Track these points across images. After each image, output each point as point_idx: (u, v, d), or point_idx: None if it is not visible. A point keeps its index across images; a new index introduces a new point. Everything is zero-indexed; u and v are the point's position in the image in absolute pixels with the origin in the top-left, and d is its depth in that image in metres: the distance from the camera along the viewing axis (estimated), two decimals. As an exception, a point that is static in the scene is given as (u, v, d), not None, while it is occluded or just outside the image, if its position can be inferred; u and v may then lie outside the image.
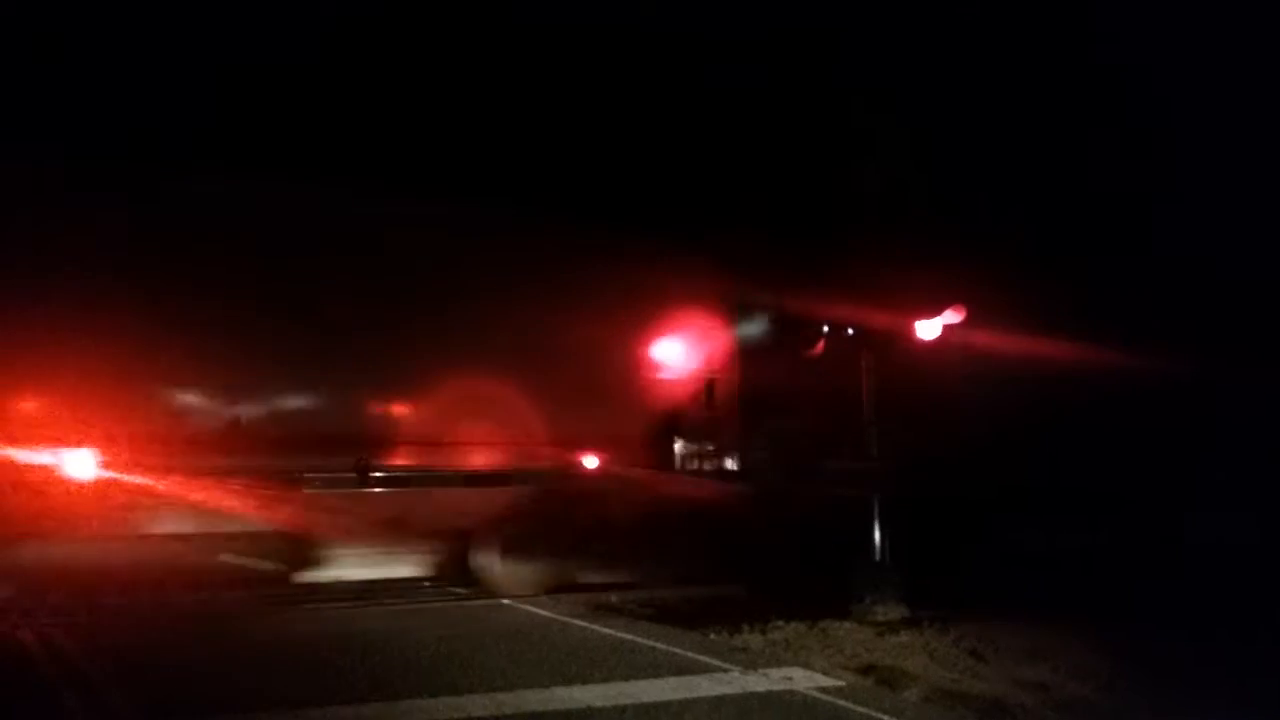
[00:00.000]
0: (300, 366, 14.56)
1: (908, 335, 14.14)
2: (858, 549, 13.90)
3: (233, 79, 16.43)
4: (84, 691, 9.42)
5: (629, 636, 11.78)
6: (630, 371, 16.32)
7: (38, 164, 13.48)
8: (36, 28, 15.48)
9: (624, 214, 16.58)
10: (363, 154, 16.12)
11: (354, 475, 14.42)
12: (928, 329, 14.07)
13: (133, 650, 10.95)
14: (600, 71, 18.13)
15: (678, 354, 16.40)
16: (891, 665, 10.78)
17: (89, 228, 13.48)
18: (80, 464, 12.90)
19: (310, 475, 14.33)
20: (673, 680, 9.91)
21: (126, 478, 13.00)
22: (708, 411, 16.34)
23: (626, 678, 9.91)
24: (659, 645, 11.31)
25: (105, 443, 12.97)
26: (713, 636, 12.00)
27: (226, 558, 14.36)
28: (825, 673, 10.39)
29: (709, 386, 16.36)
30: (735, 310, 16.84)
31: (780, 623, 12.45)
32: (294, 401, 14.81)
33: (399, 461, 14.95)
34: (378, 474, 14.62)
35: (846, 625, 12.66)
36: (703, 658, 10.83)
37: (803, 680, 10.03)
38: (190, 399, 14.21)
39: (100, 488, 12.94)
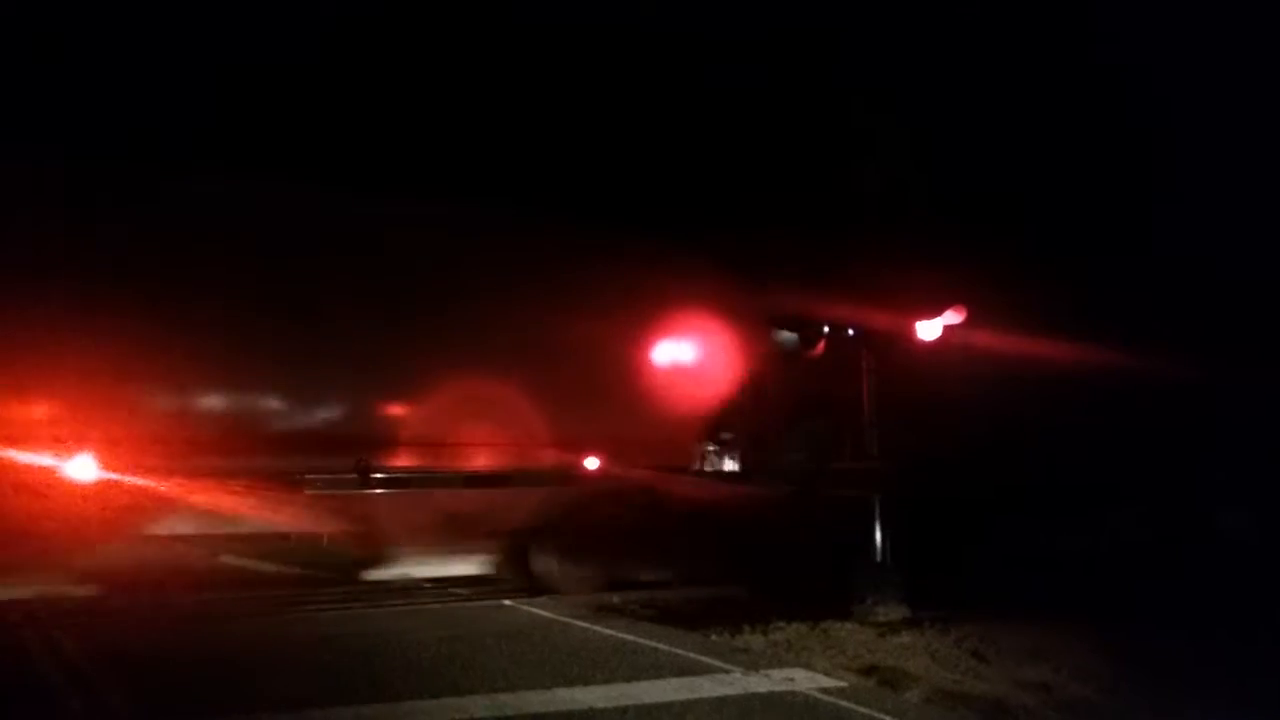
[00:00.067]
0: (301, 367, 14.54)
1: (908, 336, 14.15)
2: (859, 550, 13.90)
3: (233, 79, 16.44)
4: (85, 692, 9.41)
5: (630, 637, 11.78)
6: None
7: (38, 164, 13.47)
8: (36, 28, 15.47)
9: (624, 214, 16.59)
10: (363, 154, 16.15)
11: (354, 476, 14.42)
12: (928, 329, 14.07)
13: (134, 651, 10.93)
14: (600, 71, 18.14)
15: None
16: (893, 666, 10.77)
17: (89, 228, 13.46)
18: (81, 466, 12.89)
19: (311, 476, 14.33)
20: (674, 681, 9.90)
21: (128, 479, 12.99)
22: (749, 414, 16.21)
23: (628, 679, 9.90)
24: (661, 646, 11.30)
25: (106, 445, 12.96)
26: (714, 637, 11.98)
27: (228, 559, 14.39)
28: (827, 673, 10.39)
29: (749, 388, 16.26)
30: (768, 314, 16.76)
31: (782, 623, 12.43)
32: (294, 402, 14.79)
33: (424, 462, 15.07)
34: (378, 475, 14.62)
35: (848, 626, 12.66)
36: (704, 659, 10.82)
37: (804, 681, 10.02)
38: (191, 400, 14.18)
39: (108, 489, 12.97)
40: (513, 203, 16.17)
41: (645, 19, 18.00)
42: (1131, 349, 16.63)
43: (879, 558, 13.90)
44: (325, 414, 14.81)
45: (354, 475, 14.31)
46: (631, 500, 15.37)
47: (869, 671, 10.58)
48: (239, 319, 13.79)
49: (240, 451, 13.79)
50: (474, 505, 15.03)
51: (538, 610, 13.50)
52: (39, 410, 13.17)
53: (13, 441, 12.69)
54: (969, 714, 9.37)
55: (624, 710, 8.91)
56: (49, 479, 12.78)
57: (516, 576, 15.25)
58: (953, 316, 13.99)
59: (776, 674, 10.27)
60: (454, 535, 15.13)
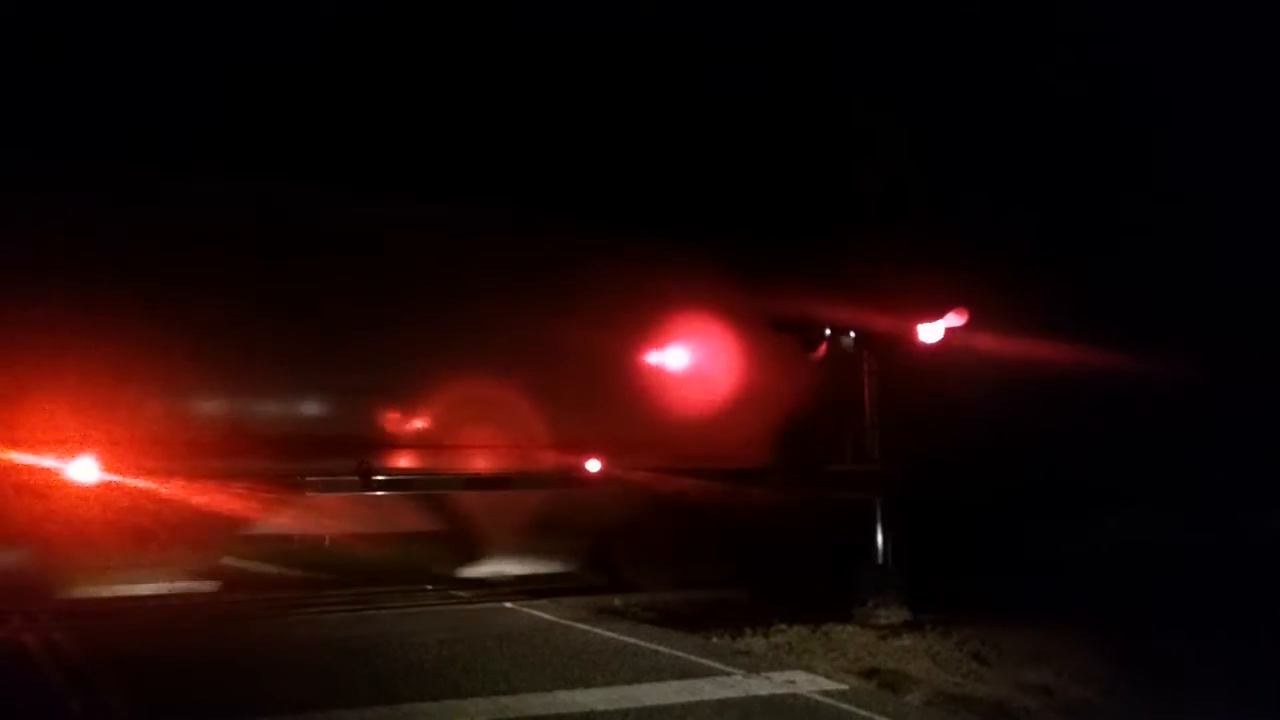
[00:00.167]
0: (301, 367, 14.54)
1: (910, 338, 14.14)
2: (860, 552, 13.90)
3: (233, 79, 16.38)
4: (86, 694, 9.41)
5: (631, 640, 11.79)
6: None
7: (38, 164, 13.46)
8: (36, 28, 15.42)
9: (624, 215, 16.58)
10: (363, 154, 16.09)
11: (356, 478, 14.45)
12: (930, 332, 14.06)
13: (134, 653, 10.94)
14: (600, 71, 18.09)
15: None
16: (894, 669, 10.78)
17: (89, 228, 13.46)
18: (83, 468, 12.90)
19: (312, 478, 14.35)
20: (675, 684, 9.91)
21: (130, 481, 13.01)
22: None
23: (629, 681, 9.92)
24: (661, 649, 11.31)
25: (107, 446, 12.97)
26: (715, 640, 12.00)
27: (229, 561, 14.42)
28: (828, 676, 10.40)
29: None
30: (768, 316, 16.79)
31: (783, 626, 12.45)
32: (296, 403, 14.80)
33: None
34: (379, 477, 14.64)
35: (849, 628, 12.67)
36: (705, 661, 10.84)
37: (806, 684, 10.04)
38: (191, 401, 14.18)
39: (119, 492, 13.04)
40: (513, 203, 16.15)
41: (645, 19, 17.96)
42: (1131, 350, 16.61)
43: (880, 560, 13.91)
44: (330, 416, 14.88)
45: (356, 477, 14.36)
46: (700, 504, 15.62)
47: (870, 674, 10.59)
48: (239, 320, 13.85)
49: (313, 454, 13.97)
50: (563, 507, 15.40)
51: (539, 613, 13.52)
52: (39, 412, 13.17)
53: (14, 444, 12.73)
54: (970, 717, 9.37)
55: (625, 713, 8.93)
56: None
57: (597, 575, 15.56)
58: (954, 319, 13.98)
59: (778, 676, 10.28)
60: (543, 535, 15.57)
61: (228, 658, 10.95)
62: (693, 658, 10.95)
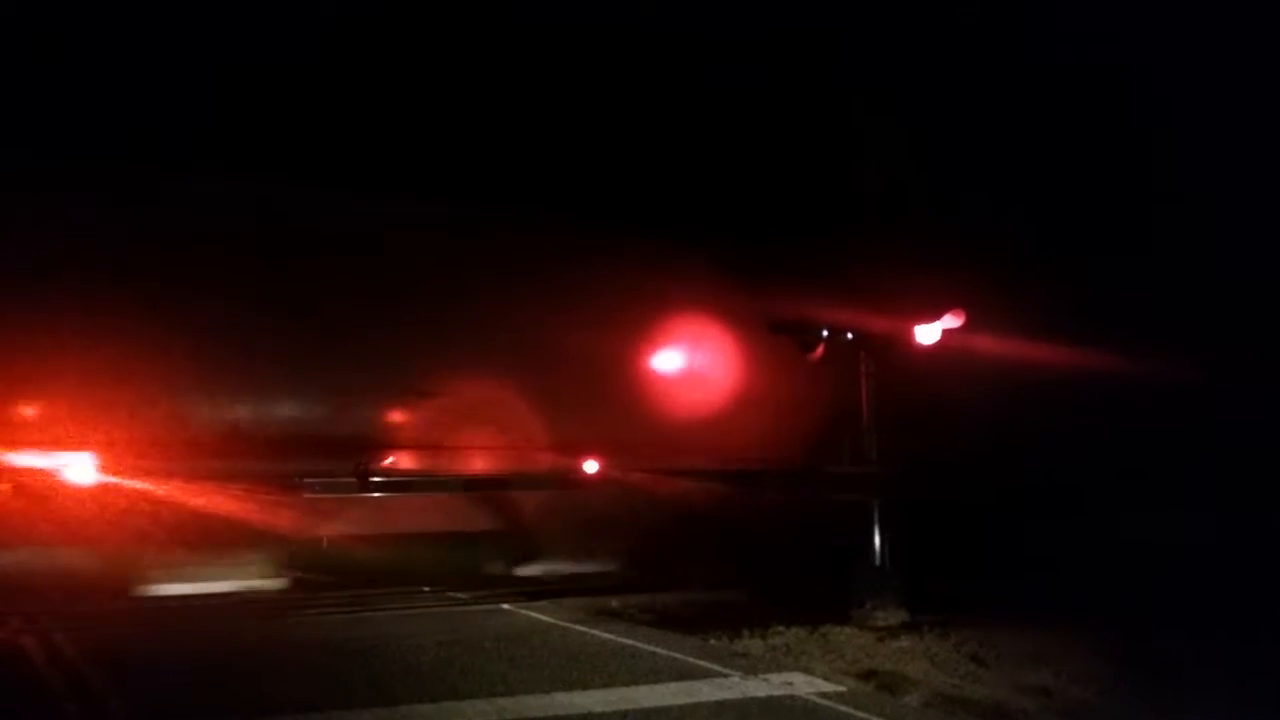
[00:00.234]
0: (302, 367, 14.55)
1: (907, 339, 14.13)
2: (858, 553, 13.90)
3: (233, 79, 16.39)
4: (84, 697, 9.41)
5: (629, 641, 11.79)
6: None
7: (38, 164, 13.47)
8: (36, 28, 15.43)
9: (624, 215, 16.59)
10: (363, 154, 16.10)
11: (354, 480, 14.47)
12: (927, 333, 14.05)
13: (133, 655, 10.95)
14: (600, 71, 18.10)
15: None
16: (892, 670, 10.78)
17: (89, 228, 13.47)
18: (81, 468, 12.91)
19: (310, 480, 14.37)
20: (673, 685, 9.91)
21: (127, 482, 13.03)
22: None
23: (627, 683, 9.92)
24: (659, 650, 11.31)
25: (105, 447, 12.98)
26: (713, 642, 11.99)
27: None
28: (826, 678, 10.40)
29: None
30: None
31: (781, 628, 12.46)
32: (295, 404, 14.81)
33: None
34: (376, 478, 14.65)
35: (847, 630, 12.67)
36: (703, 663, 10.84)
37: (803, 685, 10.04)
38: (192, 401, 14.19)
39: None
40: (513, 203, 16.15)
41: (645, 19, 17.96)
42: (1130, 351, 16.59)
43: (878, 562, 13.90)
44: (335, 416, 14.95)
45: (354, 479, 14.38)
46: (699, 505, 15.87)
47: (868, 676, 10.58)
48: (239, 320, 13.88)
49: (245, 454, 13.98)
50: (613, 507, 15.60)
51: (536, 614, 13.52)
52: (38, 412, 13.19)
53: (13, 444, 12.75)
54: (968, 718, 9.36)
55: (623, 714, 8.93)
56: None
57: (641, 572, 15.72)
58: (952, 320, 13.97)
59: (775, 678, 10.28)
60: (593, 535, 15.87)
61: (226, 659, 10.95)
62: (690, 659, 10.96)
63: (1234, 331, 18.04)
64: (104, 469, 13.10)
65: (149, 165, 14.22)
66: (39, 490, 12.86)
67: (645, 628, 12.72)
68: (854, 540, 13.97)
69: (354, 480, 14.50)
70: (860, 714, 9.16)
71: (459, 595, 14.80)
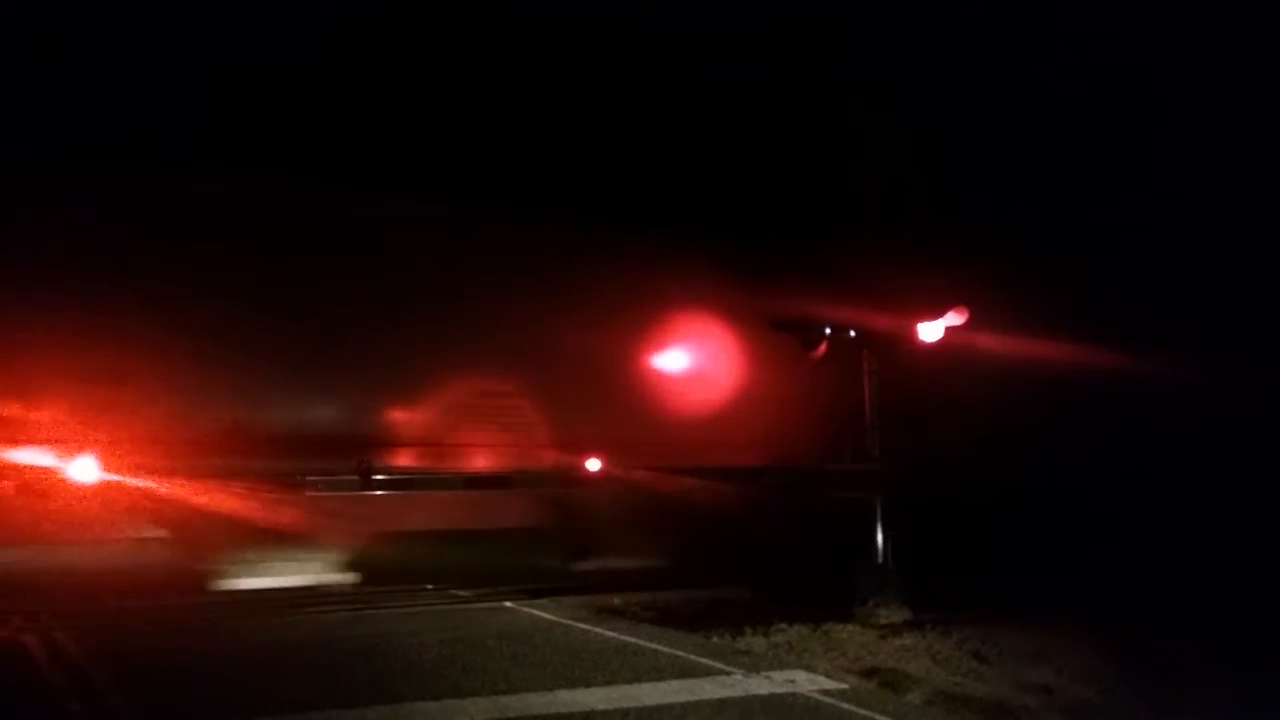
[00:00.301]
0: (302, 367, 14.55)
1: (910, 338, 14.13)
2: (860, 551, 13.90)
3: (233, 79, 16.39)
4: (87, 695, 9.40)
5: (631, 639, 11.78)
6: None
7: (38, 164, 13.47)
8: (36, 28, 15.43)
9: (624, 215, 16.59)
10: (363, 154, 16.10)
11: (356, 478, 14.48)
12: (930, 331, 14.05)
13: (135, 653, 10.94)
14: (600, 71, 18.10)
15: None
16: (894, 668, 10.78)
17: (89, 228, 13.47)
18: (82, 468, 12.91)
19: (313, 478, 14.38)
20: (675, 683, 9.90)
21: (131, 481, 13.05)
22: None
23: (629, 680, 9.91)
24: (661, 648, 11.30)
25: (107, 446, 12.98)
26: (715, 639, 11.99)
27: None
28: (828, 675, 10.39)
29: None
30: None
31: (783, 625, 12.46)
32: (298, 404, 14.81)
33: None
34: (378, 476, 14.66)
35: (849, 628, 12.67)
36: (705, 660, 10.83)
37: (806, 683, 10.03)
38: (193, 401, 14.19)
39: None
40: (513, 203, 16.15)
41: (645, 19, 17.97)
42: (1131, 350, 16.60)
43: (880, 559, 13.90)
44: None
45: (356, 477, 14.40)
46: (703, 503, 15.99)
47: (870, 673, 10.59)
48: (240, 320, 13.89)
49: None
50: (673, 503, 15.75)
51: (539, 612, 13.51)
52: (39, 412, 13.19)
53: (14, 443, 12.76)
54: (970, 716, 9.35)
55: (625, 712, 8.92)
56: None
57: (697, 569, 15.66)
58: (954, 318, 13.97)
59: (778, 676, 10.27)
60: (652, 530, 15.91)
61: (228, 657, 10.95)
62: (693, 657, 10.95)
63: (1234, 331, 18.05)
64: (137, 469, 13.22)
65: (149, 165, 14.23)
66: (51, 488, 12.94)
67: (647, 625, 12.71)
68: (856, 538, 13.97)
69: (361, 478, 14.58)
70: (863, 711, 9.15)
71: (461, 593, 14.79)
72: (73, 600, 13.12)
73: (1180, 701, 9.65)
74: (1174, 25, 17.79)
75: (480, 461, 15.60)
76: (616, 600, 14.08)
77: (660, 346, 16.67)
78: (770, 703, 9.38)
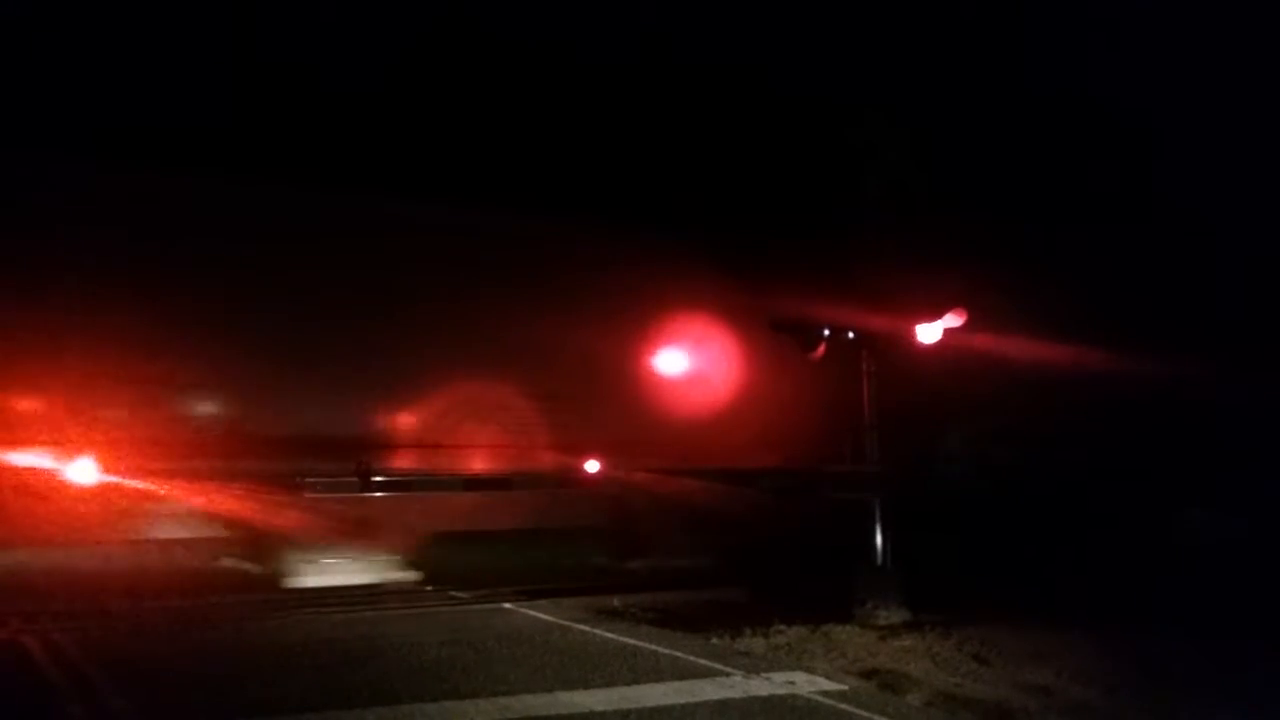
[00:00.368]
0: (304, 368, 14.55)
1: (908, 339, 14.13)
2: (859, 552, 13.89)
3: (235, 80, 16.43)
4: (87, 697, 9.41)
5: (631, 640, 11.78)
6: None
7: (39, 164, 13.49)
8: (37, 27, 15.46)
9: (625, 216, 16.60)
10: (363, 155, 16.12)
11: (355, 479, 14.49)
12: (929, 332, 14.05)
13: (136, 656, 10.95)
14: (601, 72, 18.13)
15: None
16: (894, 669, 10.77)
17: (89, 229, 13.48)
18: (82, 469, 12.92)
19: (312, 480, 14.39)
20: (675, 684, 9.90)
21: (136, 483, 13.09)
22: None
23: (629, 682, 9.92)
24: (661, 649, 11.30)
25: (106, 447, 12.98)
26: (715, 640, 11.98)
27: (228, 562, 14.45)
28: (828, 677, 10.39)
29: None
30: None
31: (782, 626, 12.45)
32: (301, 404, 14.81)
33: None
34: (377, 478, 14.67)
35: (849, 629, 12.66)
36: (705, 662, 10.83)
37: (805, 684, 10.03)
38: (194, 401, 14.19)
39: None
40: (514, 203, 16.16)
41: (648, 22, 18.01)
42: (1132, 350, 16.60)
43: (879, 560, 13.89)
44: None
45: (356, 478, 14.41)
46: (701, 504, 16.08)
47: (870, 675, 10.58)
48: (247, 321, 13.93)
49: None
50: (720, 506, 15.88)
51: (538, 613, 13.50)
52: (39, 412, 13.19)
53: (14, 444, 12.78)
54: (970, 717, 9.36)
55: (625, 714, 8.92)
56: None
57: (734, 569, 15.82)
58: (953, 319, 13.97)
59: (777, 677, 10.27)
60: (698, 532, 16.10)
61: (229, 658, 10.95)
62: (692, 658, 10.95)
63: (1235, 332, 18.05)
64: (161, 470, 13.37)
65: (149, 165, 14.22)
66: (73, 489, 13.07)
67: (647, 626, 12.70)
68: (856, 539, 13.97)
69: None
70: (862, 713, 9.16)
71: (460, 594, 14.78)
72: (73, 601, 13.11)
73: (1181, 702, 9.65)
74: (1173, 25, 17.80)
75: (496, 462, 15.73)
76: (615, 601, 14.07)
77: (658, 348, 16.66)
78: (770, 704, 9.38)
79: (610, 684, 9.83)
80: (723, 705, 9.25)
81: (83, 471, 12.95)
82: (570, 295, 15.95)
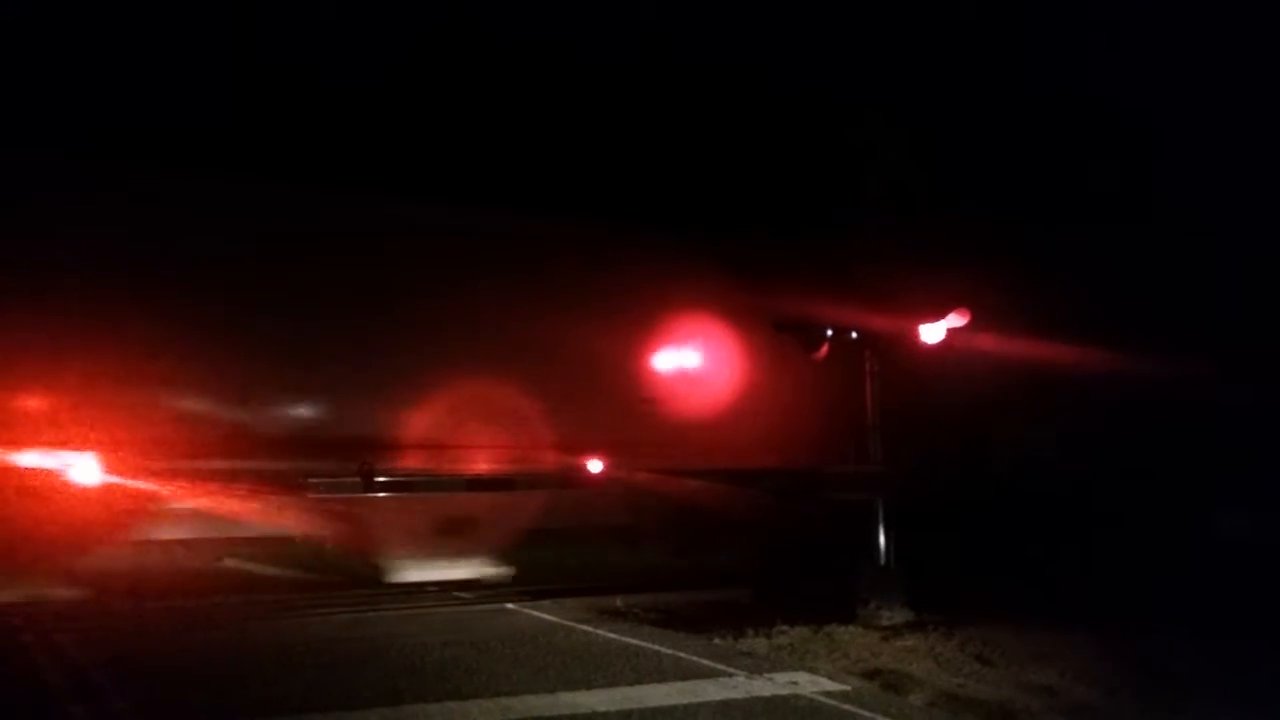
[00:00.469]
0: (306, 368, 14.53)
1: (912, 339, 14.13)
2: (862, 552, 13.88)
3: (235, 80, 16.42)
4: (88, 697, 9.38)
5: (633, 641, 11.74)
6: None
7: (39, 164, 13.47)
8: (37, 27, 15.45)
9: (626, 217, 16.59)
10: (364, 155, 16.13)
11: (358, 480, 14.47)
12: (932, 332, 14.05)
13: (137, 656, 10.92)
14: (602, 72, 18.13)
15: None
16: (897, 669, 10.76)
17: (90, 229, 13.46)
18: (84, 469, 12.89)
19: (314, 480, 14.36)
20: (678, 685, 9.86)
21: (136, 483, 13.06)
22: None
23: (631, 682, 9.88)
24: (664, 650, 11.27)
25: (109, 447, 12.96)
26: (717, 641, 11.95)
27: (230, 562, 14.45)
28: (831, 677, 10.36)
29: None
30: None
31: (785, 627, 12.42)
32: (303, 404, 14.79)
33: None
34: (381, 478, 14.65)
35: (851, 629, 12.65)
36: (707, 662, 10.79)
37: (808, 685, 10.00)
38: (195, 402, 14.15)
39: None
40: (516, 203, 16.16)
41: (649, 23, 18.01)
42: (1133, 350, 16.61)
43: (883, 561, 13.88)
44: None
45: (358, 479, 14.39)
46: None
47: (873, 675, 10.57)
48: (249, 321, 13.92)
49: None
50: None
51: (540, 614, 13.47)
52: (41, 413, 13.17)
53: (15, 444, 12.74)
54: (973, 718, 9.34)
55: (627, 714, 8.90)
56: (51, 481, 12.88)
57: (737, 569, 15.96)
58: (956, 319, 13.97)
59: (780, 677, 10.25)
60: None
61: (230, 659, 10.91)
62: (695, 659, 10.91)
63: (1235, 332, 18.06)
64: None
65: (149, 165, 14.20)
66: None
67: (649, 627, 12.67)
68: (858, 539, 13.96)
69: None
70: (865, 713, 9.12)
71: (463, 594, 14.77)
72: (73, 601, 13.09)
73: (1184, 703, 9.63)
74: (1174, 26, 17.81)
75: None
76: (618, 602, 14.03)
77: (660, 347, 16.65)
78: (773, 704, 9.35)
79: (613, 684, 9.80)
80: (725, 706, 9.22)
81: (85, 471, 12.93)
82: (571, 296, 15.91)
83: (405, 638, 11.73)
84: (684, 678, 10.15)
